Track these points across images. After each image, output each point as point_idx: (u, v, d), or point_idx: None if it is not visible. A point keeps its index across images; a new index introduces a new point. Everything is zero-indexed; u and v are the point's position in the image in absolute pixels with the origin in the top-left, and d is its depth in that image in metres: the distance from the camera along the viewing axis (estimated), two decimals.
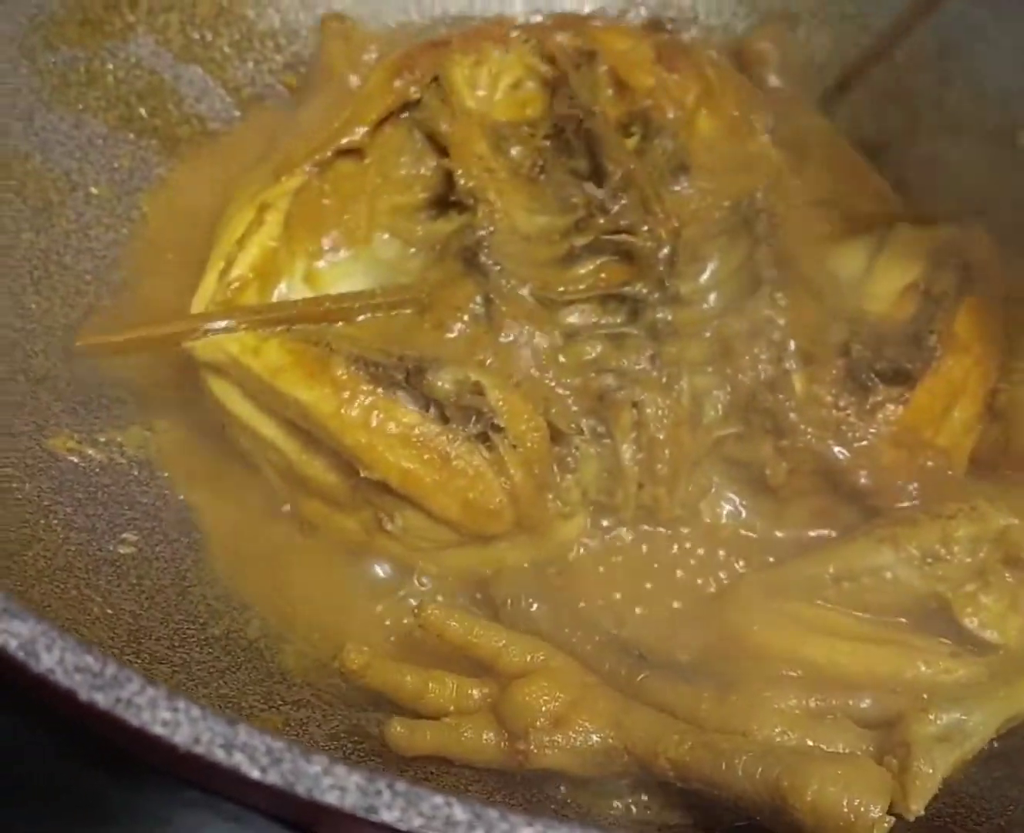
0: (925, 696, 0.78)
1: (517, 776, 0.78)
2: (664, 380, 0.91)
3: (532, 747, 0.74)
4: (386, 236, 0.99)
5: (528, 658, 0.78)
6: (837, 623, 0.86)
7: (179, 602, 0.87)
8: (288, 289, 0.94)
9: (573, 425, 0.89)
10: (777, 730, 0.75)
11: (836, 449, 0.90)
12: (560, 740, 0.74)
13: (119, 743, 0.51)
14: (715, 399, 0.92)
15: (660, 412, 0.90)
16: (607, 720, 0.75)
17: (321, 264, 0.97)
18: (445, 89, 1.04)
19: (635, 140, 1.03)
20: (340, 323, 0.90)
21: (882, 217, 1.05)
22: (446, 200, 0.99)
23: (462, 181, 0.97)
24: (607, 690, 0.77)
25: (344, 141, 1.00)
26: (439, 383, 0.85)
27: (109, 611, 0.82)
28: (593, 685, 0.77)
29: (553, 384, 0.90)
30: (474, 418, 0.85)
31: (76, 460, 0.92)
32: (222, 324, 0.87)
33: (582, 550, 0.93)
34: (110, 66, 1.13)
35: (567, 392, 0.90)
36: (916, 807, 0.71)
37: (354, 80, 1.12)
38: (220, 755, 0.49)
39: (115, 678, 0.52)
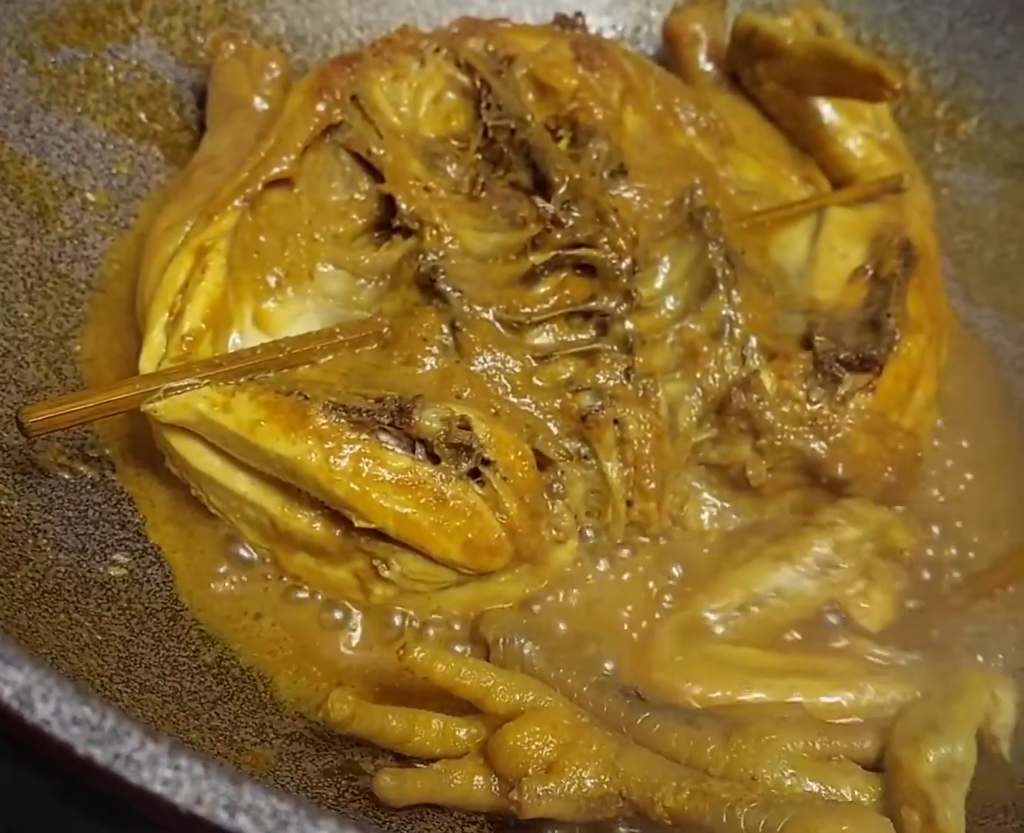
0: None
1: (510, 820, 0.76)
2: (641, 393, 0.90)
3: (526, 797, 0.71)
4: (330, 268, 0.96)
5: (517, 697, 0.76)
6: (754, 659, 0.87)
7: (171, 627, 0.84)
8: (241, 337, 0.90)
9: (560, 451, 0.88)
10: (787, 773, 0.75)
11: (813, 443, 0.91)
12: (554, 787, 0.72)
13: (118, 798, 0.49)
14: (688, 405, 0.92)
15: (642, 427, 0.89)
16: (601, 764, 0.73)
17: (269, 304, 0.93)
18: (366, 108, 1.00)
19: (564, 144, 1.02)
20: (304, 367, 0.87)
21: (814, 201, 1.06)
22: (387, 225, 0.96)
23: (403, 205, 0.95)
24: (600, 731, 0.75)
25: (274, 171, 0.96)
26: (426, 422, 0.82)
27: (99, 637, 0.79)
28: (586, 726, 0.75)
29: (533, 409, 0.89)
30: (464, 455, 0.82)
31: (67, 476, 0.89)
32: (183, 382, 0.82)
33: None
34: (111, 68, 1.09)
35: (547, 415, 0.89)
36: None
37: (259, 103, 1.08)
38: (223, 817, 0.47)
39: (114, 732, 0.49)
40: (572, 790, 0.72)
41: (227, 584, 0.88)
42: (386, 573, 0.86)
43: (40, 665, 0.52)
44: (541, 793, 0.72)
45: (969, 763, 0.75)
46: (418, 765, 0.76)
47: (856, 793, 0.75)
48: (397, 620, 0.88)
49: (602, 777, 0.73)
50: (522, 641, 0.81)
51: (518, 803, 0.72)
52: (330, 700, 0.72)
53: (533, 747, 0.73)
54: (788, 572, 0.90)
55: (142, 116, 1.11)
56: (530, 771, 0.72)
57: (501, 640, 0.81)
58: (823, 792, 0.74)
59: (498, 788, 0.73)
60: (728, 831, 0.70)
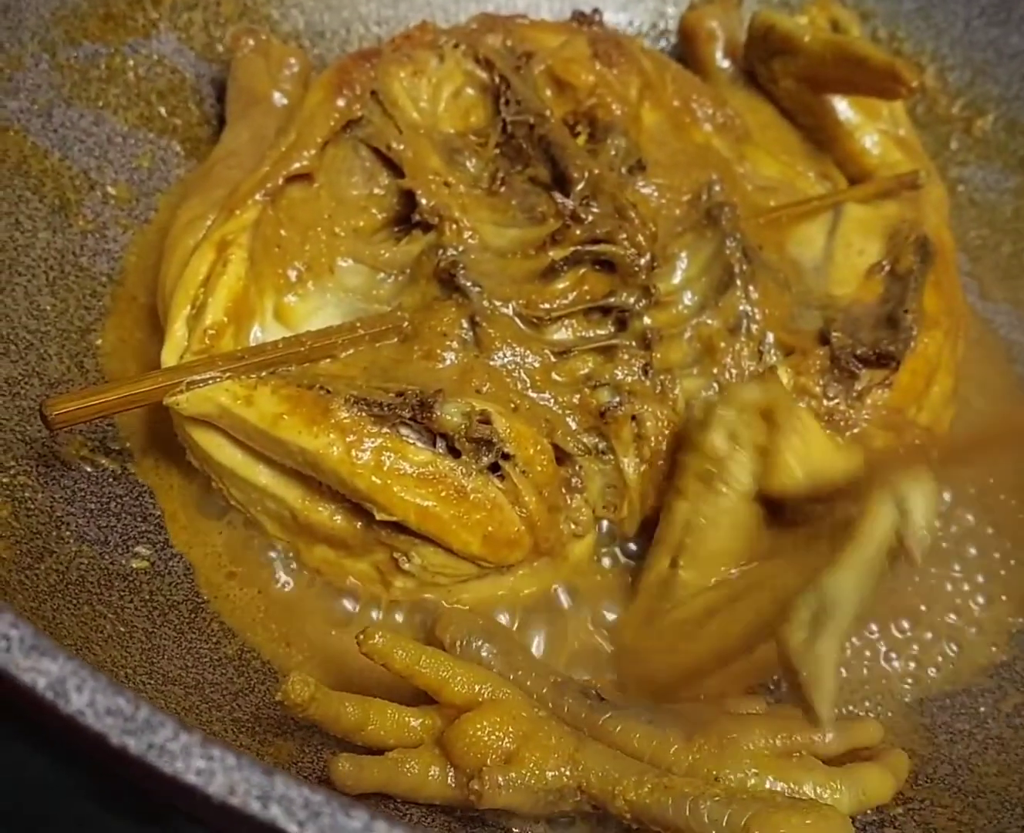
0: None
1: (465, 812, 0.77)
2: (659, 389, 0.91)
3: (486, 787, 0.71)
4: (350, 262, 0.96)
5: (476, 688, 0.76)
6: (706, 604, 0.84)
7: (192, 619, 0.85)
8: (262, 330, 0.91)
9: (578, 446, 0.88)
10: (750, 772, 0.75)
11: None
12: (514, 778, 0.72)
13: (151, 790, 0.50)
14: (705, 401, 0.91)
15: (660, 423, 0.90)
16: (561, 756, 0.74)
17: (290, 299, 0.93)
18: (386, 104, 1.01)
19: (582, 140, 1.02)
20: (325, 360, 0.88)
21: (831, 198, 1.06)
22: (407, 219, 0.97)
23: (423, 200, 0.95)
24: (559, 725, 0.76)
25: (294, 166, 0.96)
26: (447, 416, 0.83)
27: (122, 628, 0.80)
28: (544, 719, 0.75)
29: (551, 404, 0.89)
30: (485, 449, 0.83)
31: (89, 469, 0.90)
32: (206, 375, 0.82)
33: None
34: (131, 63, 1.09)
35: (566, 411, 0.89)
36: (824, 710, 0.67)
37: (279, 98, 1.08)
38: (256, 807, 0.47)
39: (148, 722, 0.50)
40: (532, 781, 0.73)
41: (248, 576, 0.89)
42: (406, 566, 0.86)
43: (73, 656, 0.53)
44: (501, 783, 0.72)
45: (844, 599, 0.71)
46: None
47: (818, 789, 0.75)
48: (413, 614, 0.89)
49: (562, 770, 0.73)
50: (479, 642, 0.80)
51: (478, 793, 0.71)
52: (290, 682, 0.71)
53: (492, 738, 0.73)
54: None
55: (162, 111, 1.11)
56: (489, 761, 0.73)
57: (459, 642, 0.80)
58: (786, 790, 0.74)
59: (455, 779, 0.73)
60: (691, 825, 0.71)
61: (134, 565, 0.86)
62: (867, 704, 0.89)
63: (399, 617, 0.89)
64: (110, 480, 0.90)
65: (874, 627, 0.93)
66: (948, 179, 1.21)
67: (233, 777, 0.49)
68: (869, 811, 0.80)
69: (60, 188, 1.01)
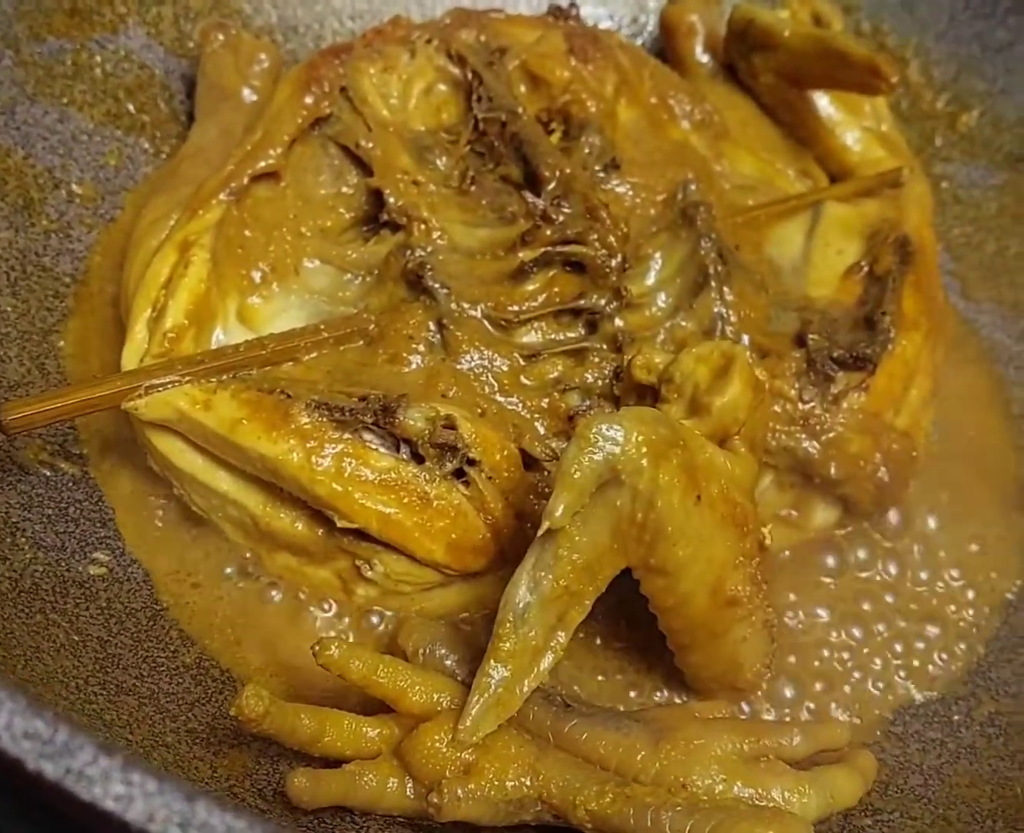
0: None
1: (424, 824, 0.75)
2: None
3: (445, 799, 0.70)
4: (316, 263, 0.94)
5: (435, 697, 0.74)
6: None
7: (150, 627, 0.84)
8: (224, 333, 0.89)
9: (546, 450, 0.86)
10: (718, 778, 0.74)
11: (806, 443, 0.90)
12: (473, 789, 0.71)
13: (69, 815, 0.48)
14: None
15: None
16: (521, 767, 0.73)
17: (254, 300, 0.91)
18: (355, 100, 0.99)
19: (557, 137, 1.00)
20: (287, 364, 0.86)
21: (810, 196, 1.05)
22: (375, 219, 0.95)
23: (392, 199, 0.93)
24: (520, 734, 0.74)
25: (260, 165, 0.95)
26: (410, 422, 0.81)
27: (75, 637, 0.78)
28: (504, 728, 0.73)
29: (520, 408, 0.88)
30: (449, 455, 0.81)
31: (48, 473, 0.88)
32: (165, 380, 0.81)
33: None
34: (98, 59, 1.08)
35: (535, 415, 0.88)
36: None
37: (248, 94, 1.06)
38: None
39: (66, 746, 0.48)
40: (491, 793, 0.71)
41: (207, 583, 0.88)
42: (369, 574, 0.85)
43: None
44: (460, 795, 0.71)
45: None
46: None
47: (786, 794, 0.74)
48: (375, 620, 0.88)
49: (522, 780, 0.72)
50: (442, 651, 0.79)
51: (437, 806, 0.70)
52: (243, 697, 0.69)
53: (451, 748, 0.72)
54: None
55: (130, 107, 1.10)
56: (448, 773, 0.71)
57: (421, 650, 0.79)
58: (754, 796, 0.73)
59: (413, 790, 0.72)
60: None
61: (91, 572, 0.85)
62: (838, 711, 0.87)
63: (363, 625, 0.87)
64: (69, 485, 0.89)
65: (847, 633, 0.91)
66: (932, 175, 1.19)
67: (153, 803, 0.47)
68: (838, 821, 0.78)
69: (23, 187, 1.00)
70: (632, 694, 0.86)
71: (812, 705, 0.88)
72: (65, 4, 1.06)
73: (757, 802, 0.75)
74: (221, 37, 1.09)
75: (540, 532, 0.69)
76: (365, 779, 0.73)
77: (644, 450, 0.68)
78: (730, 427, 0.79)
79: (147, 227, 0.95)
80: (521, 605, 0.72)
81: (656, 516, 0.70)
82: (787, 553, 0.94)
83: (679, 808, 0.72)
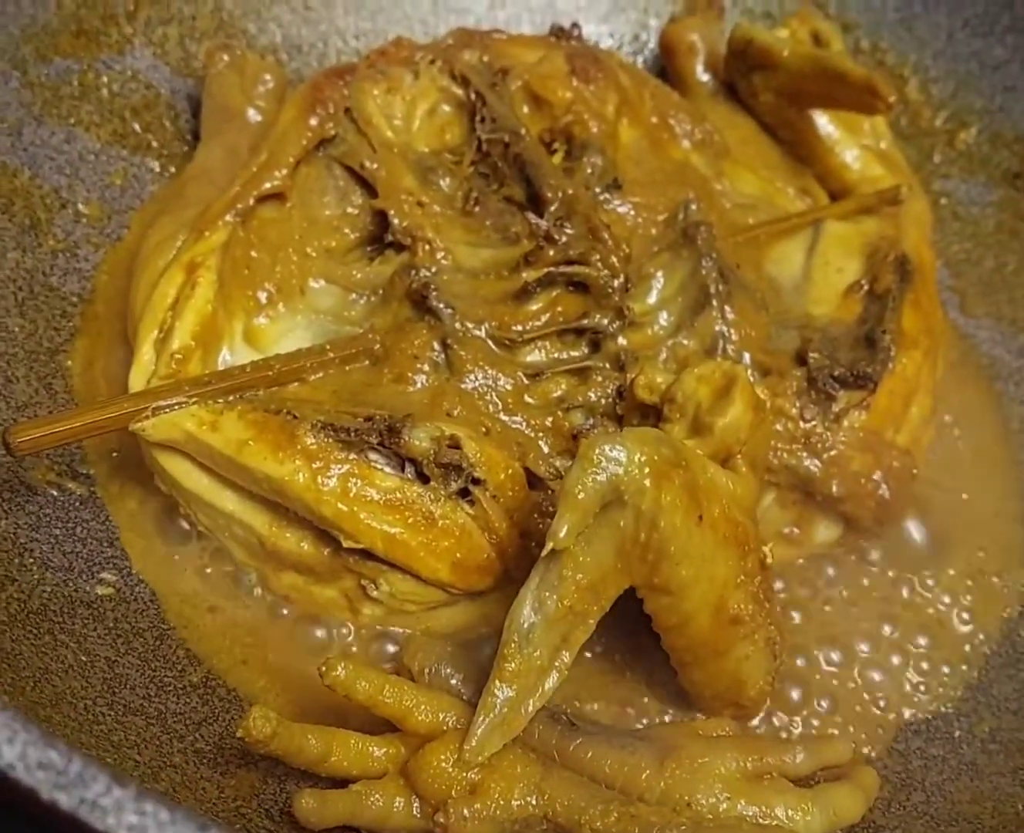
0: None
1: None
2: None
3: (452, 819, 0.70)
4: (322, 283, 0.95)
5: (440, 717, 0.75)
6: None
7: (157, 647, 0.84)
8: (231, 353, 0.90)
9: (550, 469, 0.87)
10: (722, 797, 0.75)
11: (807, 462, 0.91)
12: (480, 809, 0.71)
13: None
14: None
15: None
16: (526, 786, 0.73)
17: (260, 320, 0.92)
18: (360, 122, 1.00)
19: (559, 157, 1.01)
20: (294, 384, 0.87)
21: (810, 215, 1.06)
22: (380, 239, 0.96)
23: (396, 221, 0.94)
24: (525, 753, 0.75)
25: (266, 186, 0.95)
26: (415, 441, 0.82)
27: (83, 658, 0.79)
28: (510, 747, 0.74)
29: (524, 427, 0.88)
30: (453, 474, 0.82)
31: (55, 493, 0.89)
32: (172, 401, 0.82)
33: None
34: (104, 79, 1.08)
35: (539, 434, 0.88)
36: None
37: (253, 114, 1.07)
38: None
39: (80, 776, 0.49)
40: (497, 812, 0.72)
41: (214, 602, 0.88)
42: (375, 593, 0.86)
43: (5, 707, 0.52)
44: (467, 815, 0.71)
45: None
46: None
47: (790, 812, 0.75)
48: (381, 639, 0.88)
49: (527, 799, 0.73)
50: (448, 670, 0.80)
51: (443, 826, 0.71)
52: (251, 718, 0.69)
53: (457, 768, 0.72)
54: None
55: (136, 127, 1.10)
56: (454, 793, 0.72)
57: (427, 670, 0.80)
58: (758, 814, 0.74)
59: (420, 810, 0.73)
60: None
61: (99, 592, 0.85)
62: (841, 728, 0.88)
63: (369, 644, 0.88)
64: (77, 505, 0.90)
65: (849, 650, 0.92)
66: (931, 192, 1.20)
67: (166, 832, 0.48)
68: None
69: (30, 207, 1.01)
70: (636, 713, 0.86)
71: (815, 722, 0.88)
72: (71, 26, 1.06)
73: (761, 820, 0.75)
74: (226, 58, 1.10)
75: (544, 553, 0.70)
76: (372, 799, 0.73)
77: (647, 470, 0.69)
78: (732, 447, 0.79)
79: (153, 248, 0.95)
80: (526, 625, 0.72)
81: (659, 536, 0.71)
82: (788, 571, 0.94)
83: (683, 827, 0.72)
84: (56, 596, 0.82)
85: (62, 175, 1.04)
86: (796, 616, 0.92)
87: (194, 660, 0.85)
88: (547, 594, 0.72)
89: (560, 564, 0.71)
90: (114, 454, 0.93)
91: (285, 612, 0.88)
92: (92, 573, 0.86)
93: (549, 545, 0.69)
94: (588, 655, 0.87)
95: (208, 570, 0.89)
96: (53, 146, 1.04)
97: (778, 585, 0.92)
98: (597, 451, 0.69)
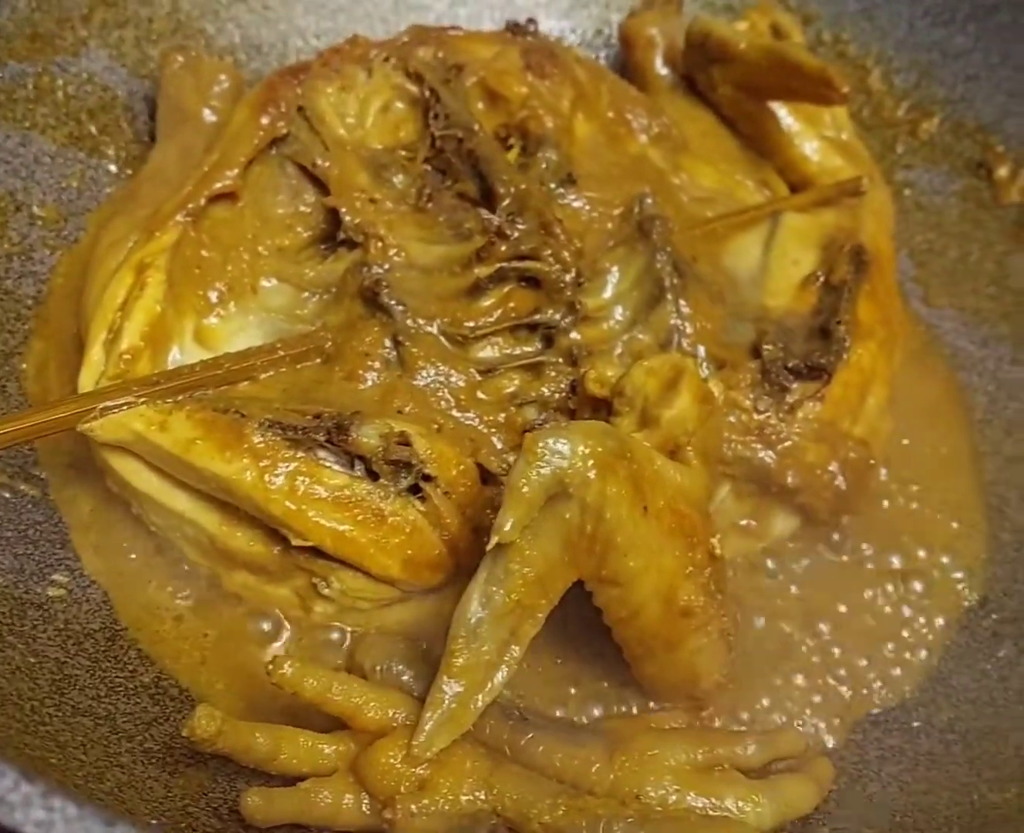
0: None
1: None
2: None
3: (399, 815, 0.71)
4: (273, 282, 0.95)
5: (390, 713, 0.75)
6: None
7: (108, 647, 0.84)
8: (181, 353, 0.89)
9: (503, 465, 0.86)
10: (671, 789, 0.75)
11: (762, 453, 0.90)
12: (428, 805, 0.71)
13: None
14: None
15: None
16: (475, 781, 0.73)
17: (211, 320, 0.92)
18: (312, 120, 0.99)
19: (515, 153, 1.01)
20: (244, 383, 0.86)
21: (768, 207, 1.05)
22: (333, 237, 0.96)
23: (348, 217, 0.94)
24: (475, 748, 0.75)
25: (217, 186, 0.95)
26: (364, 439, 0.81)
27: (31, 659, 0.79)
28: (458, 742, 0.73)
29: (476, 423, 0.88)
30: (403, 471, 0.82)
31: (7, 495, 0.89)
32: (120, 401, 0.81)
33: None
34: (60, 82, 1.08)
35: (491, 430, 0.88)
36: None
37: (208, 115, 1.07)
38: None
39: None
40: (446, 807, 0.72)
41: (166, 602, 0.88)
42: (326, 591, 0.85)
43: None
44: (415, 811, 0.71)
45: None
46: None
47: (740, 803, 0.75)
48: (335, 636, 0.88)
49: (476, 794, 0.73)
50: (400, 667, 0.80)
51: (391, 822, 0.71)
52: (196, 716, 0.70)
53: (405, 764, 0.72)
54: None
55: (93, 129, 1.10)
56: (403, 788, 0.72)
57: (379, 667, 0.80)
58: (708, 805, 0.74)
59: (369, 807, 0.72)
60: None
61: (50, 593, 0.85)
62: (797, 719, 0.88)
63: (322, 642, 0.88)
64: (29, 507, 0.90)
65: (807, 641, 0.91)
66: (894, 183, 1.20)
67: (73, 828, 0.47)
68: (795, 830, 0.79)
69: None
70: (589, 706, 0.86)
71: (771, 714, 0.88)
72: (26, 29, 1.06)
73: (711, 812, 0.75)
74: (181, 59, 1.09)
75: (490, 547, 0.69)
76: (321, 796, 0.73)
77: (591, 462, 0.69)
78: (680, 438, 0.79)
79: (106, 249, 0.95)
80: (473, 620, 0.72)
81: (606, 528, 0.71)
82: (743, 561, 0.94)
83: (631, 819, 0.73)
84: (5, 598, 0.82)
85: (17, 178, 1.03)
86: (751, 608, 0.92)
87: (146, 660, 0.85)
88: (494, 589, 0.72)
89: (506, 558, 0.70)
90: (66, 455, 0.92)
91: (237, 612, 0.88)
92: (43, 575, 0.86)
93: (494, 539, 0.69)
94: (538, 649, 0.87)
95: (160, 570, 0.89)
96: (8, 149, 1.03)
97: (733, 577, 0.92)
98: (541, 444, 0.69)
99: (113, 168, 1.11)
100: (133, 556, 0.89)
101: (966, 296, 1.15)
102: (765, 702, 0.88)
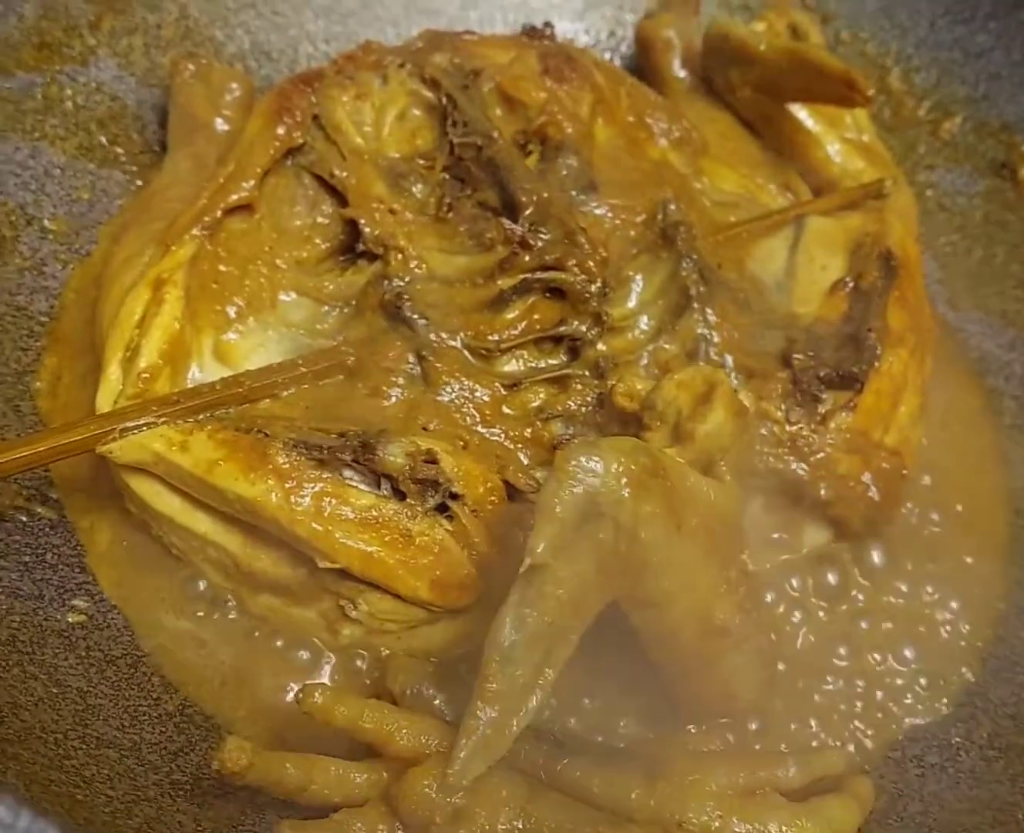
0: None
1: None
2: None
3: None
4: (293, 295, 0.93)
5: (423, 740, 0.73)
6: None
7: (131, 675, 0.82)
8: (200, 371, 0.88)
9: (530, 481, 0.85)
10: (714, 815, 0.73)
11: (794, 465, 0.88)
12: None
13: None
14: None
15: None
16: (512, 809, 0.71)
17: (230, 336, 0.90)
18: (328, 129, 0.98)
19: (534, 159, 0.99)
20: (265, 401, 0.84)
21: (792, 211, 1.03)
22: (352, 249, 0.94)
23: (367, 229, 0.92)
24: (511, 775, 0.73)
25: (233, 198, 0.93)
26: (390, 457, 0.79)
27: (54, 690, 0.77)
28: (495, 770, 0.70)
29: (502, 439, 0.86)
30: (430, 490, 0.80)
31: (24, 519, 0.87)
32: (140, 421, 0.80)
33: None
34: (69, 92, 1.06)
35: (518, 445, 0.86)
36: None
37: (220, 124, 1.05)
38: None
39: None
40: None
41: (190, 627, 0.86)
42: (353, 613, 0.83)
43: None
44: None
45: None
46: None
47: (783, 828, 0.73)
48: (362, 660, 0.86)
49: (514, 823, 0.71)
50: (430, 691, 0.78)
51: None
52: (226, 750, 0.68)
53: (440, 793, 0.70)
54: None
55: (103, 139, 1.08)
56: (438, 819, 0.70)
57: (408, 690, 0.78)
58: (751, 831, 0.73)
59: None
60: None
61: (70, 619, 0.83)
62: (835, 737, 0.86)
63: (349, 665, 0.86)
64: (47, 530, 0.88)
65: (842, 657, 0.90)
66: (916, 184, 1.18)
67: None
68: None
69: None
70: (624, 727, 0.84)
71: (809, 732, 0.86)
72: (33, 38, 1.04)
73: None
74: (191, 67, 1.08)
75: (522, 569, 0.68)
76: (353, 828, 0.72)
77: (624, 481, 0.67)
78: (714, 454, 0.77)
79: (120, 264, 0.93)
80: (507, 643, 0.70)
81: (640, 548, 0.69)
82: (776, 577, 0.92)
83: None
84: (26, 625, 0.80)
85: (28, 191, 1.02)
86: (785, 625, 0.90)
87: (169, 688, 0.83)
88: (527, 611, 0.69)
89: (539, 580, 0.68)
90: (84, 477, 0.90)
91: (262, 636, 0.86)
92: (63, 600, 0.84)
93: (527, 561, 0.67)
94: (573, 672, 0.85)
95: (183, 594, 0.87)
96: (18, 161, 1.02)
97: (766, 593, 0.90)
98: (573, 462, 0.67)
99: (123, 179, 1.09)
100: (154, 580, 0.87)
101: (992, 298, 1.13)
102: (802, 721, 0.86)
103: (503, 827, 0.71)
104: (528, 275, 0.90)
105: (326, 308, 0.93)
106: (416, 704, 0.78)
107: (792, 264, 1.00)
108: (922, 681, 0.90)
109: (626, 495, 0.67)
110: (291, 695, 0.83)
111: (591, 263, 0.90)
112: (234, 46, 1.18)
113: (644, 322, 0.93)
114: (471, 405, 0.87)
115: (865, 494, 0.90)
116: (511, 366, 0.89)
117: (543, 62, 1.04)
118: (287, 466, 0.79)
